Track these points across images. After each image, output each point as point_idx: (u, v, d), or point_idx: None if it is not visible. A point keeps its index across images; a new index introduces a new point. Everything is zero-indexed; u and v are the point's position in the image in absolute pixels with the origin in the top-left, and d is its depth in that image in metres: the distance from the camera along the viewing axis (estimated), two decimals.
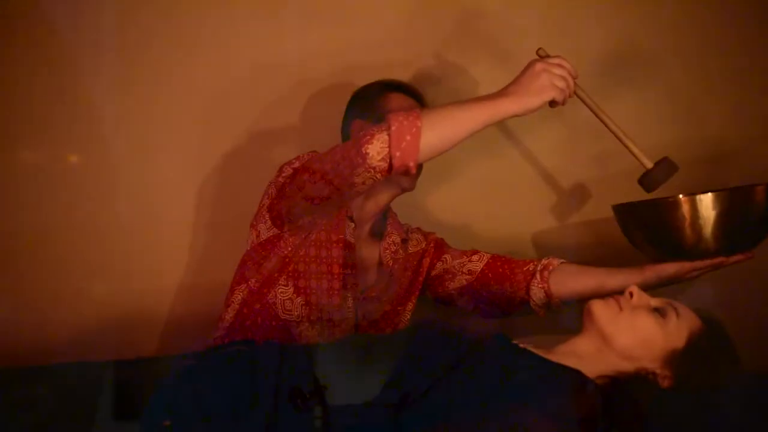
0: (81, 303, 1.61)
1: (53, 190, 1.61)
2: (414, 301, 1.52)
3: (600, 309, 1.18)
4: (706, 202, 1.20)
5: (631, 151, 1.27)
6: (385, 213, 1.51)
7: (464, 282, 1.49)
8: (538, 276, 1.42)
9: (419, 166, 1.30)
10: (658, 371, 1.15)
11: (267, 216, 1.37)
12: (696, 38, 1.69)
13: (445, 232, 1.60)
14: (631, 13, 1.68)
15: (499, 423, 1.04)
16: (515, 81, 1.20)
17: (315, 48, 1.64)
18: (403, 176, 1.27)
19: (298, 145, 1.62)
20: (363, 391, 1.15)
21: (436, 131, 1.15)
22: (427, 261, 1.53)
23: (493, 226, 1.69)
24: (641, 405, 1.17)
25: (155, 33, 1.61)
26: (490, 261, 1.49)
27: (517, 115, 1.18)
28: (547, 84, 1.17)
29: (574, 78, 1.21)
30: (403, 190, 1.43)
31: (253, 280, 1.36)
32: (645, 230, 1.30)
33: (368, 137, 1.15)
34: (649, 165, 1.26)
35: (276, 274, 1.35)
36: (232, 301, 1.37)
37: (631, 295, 1.19)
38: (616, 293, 1.21)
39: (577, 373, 1.12)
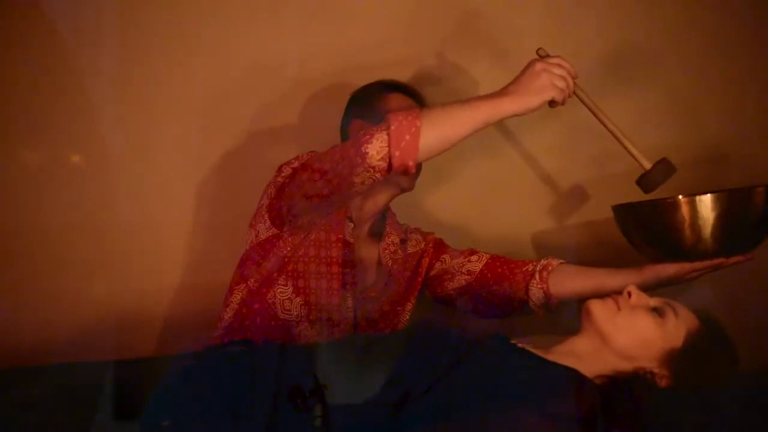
0: (80, 303, 1.61)
1: (53, 190, 1.61)
2: (413, 301, 1.52)
3: (598, 309, 1.19)
4: (706, 203, 1.20)
5: (629, 152, 1.27)
6: (384, 213, 1.51)
7: (463, 282, 1.49)
8: (537, 276, 1.42)
9: (418, 166, 1.30)
10: (656, 371, 1.16)
11: (266, 216, 1.37)
12: (696, 39, 1.69)
13: (444, 233, 1.60)
14: (630, 14, 1.68)
15: (499, 423, 1.04)
16: (515, 80, 1.20)
17: (315, 48, 1.64)
18: (402, 176, 1.27)
19: (297, 145, 1.62)
20: (363, 390, 1.15)
21: (436, 131, 1.15)
22: (426, 261, 1.53)
23: (492, 227, 1.69)
24: (639, 404, 1.17)
25: (155, 33, 1.61)
26: (489, 261, 1.49)
27: (516, 115, 1.18)
28: (547, 83, 1.18)
29: (573, 78, 1.21)
30: (402, 191, 1.43)
31: (252, 280, 1.36)
32: (644, 231, 1.30)
33: (368, 137, 1.15)
34: (648, 166, 1.26)
35: (275, 274, 1.35)
36: (231, 301, 1.37)
37: (630, 294, 1.19)
38: (615, 293, 1.21)
39: (575, 373, 1.12)
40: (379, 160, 1.15)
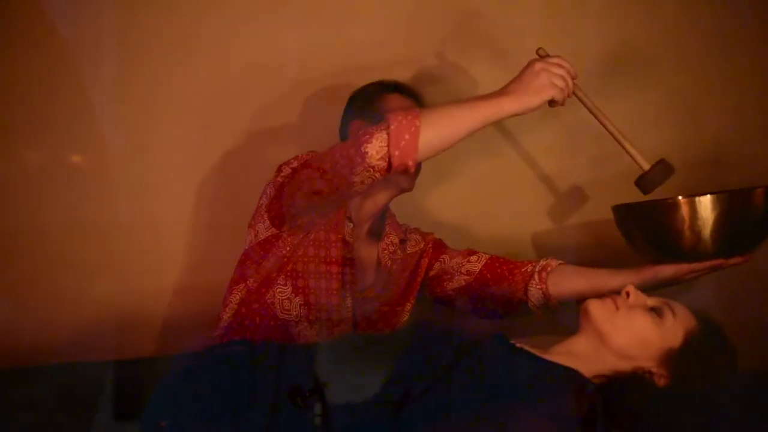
0: (80, 303, 1.61)
1: (53, 190, 1.61)
2: (412, 301, 1.52)
3: (597, 308, 1.19)
4: (705, 203, 1.20)
5: (628, 153, 1.27)
6: (384, 213, 1.51)
7: (462, 282, 1.49)
8: (536, 277, 1.42)
9: (418, 166, 1.30)
10: (654, 370, 1.16)
11: (265, 216, 1.37)
12: (695, 39, 1.69)
13: (444, 233, 1.60)
14: (630, 14, 1.68)
15: (498, 422, 1.04)
16: (515, 80, 1.20)
17: (315, 48, 1.64)
18: (401, 176, 1.27)
19: (296, 145, 1.62)
20: (363, 389, 1.15)
21: (435, 130, 1.15)
22: (425, 261, 1.53)
23: (491, 227, 1.69)
24: (638, 404, 1.17)
25: (155, 33, 1.61)
26: (489, 262, 1.49)
27: (516, 114, 1.18)
28: (547, 83, 1.18)
29: (573, 78, 1.21)
30: (402, 191, 1.43)
31: (251, 280, 1.36)
32: (644, 231, 1.30)
33: (367, 136, 1.15)
34: (646, 167, 1.26)
35: (274, 274, 1.35)
36: (231, 301, 1.37)
37: (628, 294, 1.20)
38: (613, 294, 1.21)
39: (575, 373, 1.12)
40: (378, 160, 1.15)
